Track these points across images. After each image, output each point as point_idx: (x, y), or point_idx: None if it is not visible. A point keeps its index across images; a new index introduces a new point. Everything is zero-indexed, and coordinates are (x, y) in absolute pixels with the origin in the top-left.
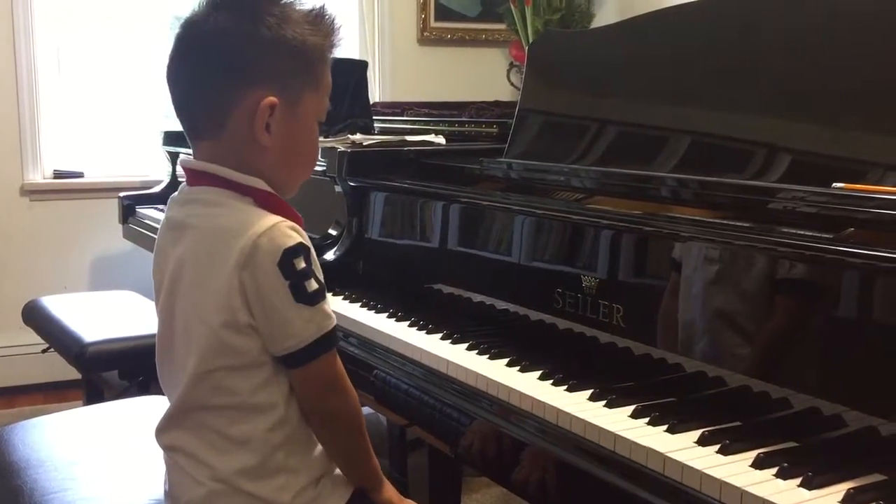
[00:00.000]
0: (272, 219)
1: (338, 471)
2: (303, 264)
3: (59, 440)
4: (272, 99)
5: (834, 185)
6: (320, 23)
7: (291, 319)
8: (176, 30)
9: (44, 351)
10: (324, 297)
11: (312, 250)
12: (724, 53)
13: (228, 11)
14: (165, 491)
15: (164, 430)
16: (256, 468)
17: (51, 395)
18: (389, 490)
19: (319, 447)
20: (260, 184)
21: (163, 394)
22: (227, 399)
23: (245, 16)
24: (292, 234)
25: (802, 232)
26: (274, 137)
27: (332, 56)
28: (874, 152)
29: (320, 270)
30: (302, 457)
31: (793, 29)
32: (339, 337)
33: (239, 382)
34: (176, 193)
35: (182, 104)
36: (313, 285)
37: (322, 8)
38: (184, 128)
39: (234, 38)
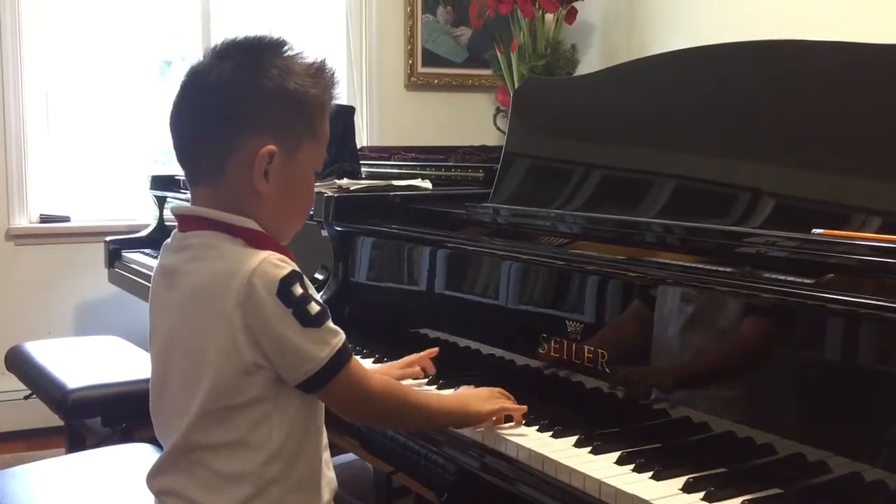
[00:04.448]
0: (261, 254)
1: None
2: (300, 290)
3: (41, 489)
4: (271, 147)
5: (814, 230)
6: (321, 75)
7: (304, 345)
8: (182, 78)
9: (26, 397)
10: (328, 317)
11: (305, 277)
12: (706, 100)
13: (233, 62)
14: None
15: (157, 475)
16: (250, 501)
17: (33, 442)
18: (474, 405)
19: (315, 487)
20: (250, 223)
21: (146, 441)
22: (225, 436)
23: (249, 66)
24: (282, 264)
25: (783, 277)
26: (271, 185)
27: (331, 108)
28: (854, 198)
29: (316, 293)
30: (297, 495)
31: (773, 77)
32: (351, 350)
33: (239, 419)
34: (169, 240)
35: (183, 150)
36: (315, 308)
37: (323, 61)
38: (184, 173)
39: (238, 87)
